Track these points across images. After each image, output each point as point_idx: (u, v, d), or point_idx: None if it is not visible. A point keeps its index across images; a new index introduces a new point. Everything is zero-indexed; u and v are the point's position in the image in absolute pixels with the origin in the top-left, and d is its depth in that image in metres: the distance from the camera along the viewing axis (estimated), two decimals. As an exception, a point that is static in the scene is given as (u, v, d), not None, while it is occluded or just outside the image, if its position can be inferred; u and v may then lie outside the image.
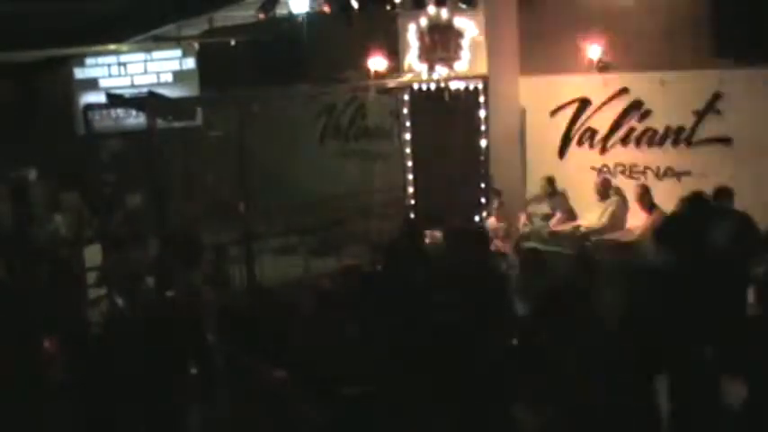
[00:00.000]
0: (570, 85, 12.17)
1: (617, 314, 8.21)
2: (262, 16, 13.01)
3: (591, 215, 11.38)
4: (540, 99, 12.49)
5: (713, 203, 9.62)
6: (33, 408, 8.03)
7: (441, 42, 12.74)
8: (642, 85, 11.41)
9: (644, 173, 11.43)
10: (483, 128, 12.36)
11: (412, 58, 13.22)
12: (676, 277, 9.06)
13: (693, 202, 9.87)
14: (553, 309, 7.62)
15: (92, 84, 15.97)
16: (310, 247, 12.95)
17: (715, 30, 10.39)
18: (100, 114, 14.64)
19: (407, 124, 13.47)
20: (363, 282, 10.52)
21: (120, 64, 16.07)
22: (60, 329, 9.99)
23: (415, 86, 13.09)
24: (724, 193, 9.68)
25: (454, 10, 12.47)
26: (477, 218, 12.38)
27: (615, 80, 11.67)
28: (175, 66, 16.10)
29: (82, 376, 8.91)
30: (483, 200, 12.38)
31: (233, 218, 12.12)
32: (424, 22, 12.84)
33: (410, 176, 13.52)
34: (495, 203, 12.10)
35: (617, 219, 11.16)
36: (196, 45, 16.19)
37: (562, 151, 12.34)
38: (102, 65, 16.07)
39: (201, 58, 16.06)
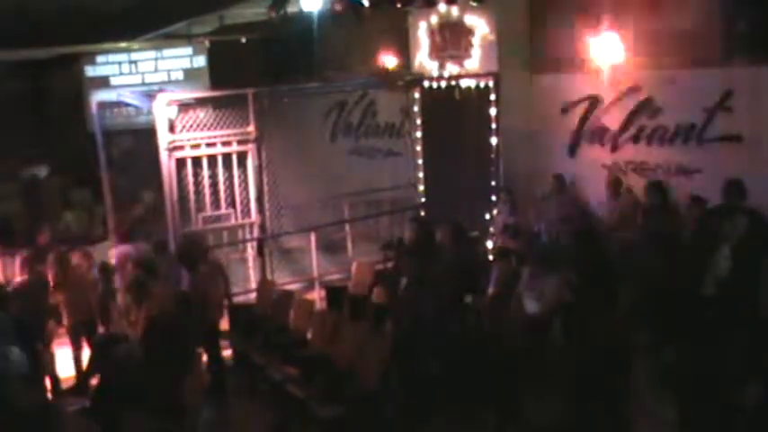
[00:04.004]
0: (581, 83, 12.13)
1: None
2: (272, 14, 13.01)
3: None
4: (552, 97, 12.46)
5: (732, 201, 9.58)
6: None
7: (451, 40, 12.76)
8: (653, 82, 11.38)
9: (654, 170, 11.38)
10: (494, 126, 12.36)
11: (422, 56, 13.24)
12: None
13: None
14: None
15: (103, 81, 16.07)
16: (321, 245, 12.95)
17: (726, 27, 10.36)
18: (111, 112, 14.71)
19: (418, 122, 13.50)
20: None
21: (130, 62, 16.18)
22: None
23: (426, 84, 13.10)
24: (735, 189, 9.62)
25: (465, 8, 12.47)
26: (487, 215, 12.39)
27: (626, 78, 11.63)
28: (186, 63, 16.20)
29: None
30: (493, 197, 12.38)
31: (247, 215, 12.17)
32: (434, 19, 12.86)
33: (421, 174, 13.55)
34: (506, 201, 12.07)
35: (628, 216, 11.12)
36: (207, 43, 16.24)
37: (573, 149, 12.30)
38: (113, 63, 16.19)
39: (212, 56, 16.11)
